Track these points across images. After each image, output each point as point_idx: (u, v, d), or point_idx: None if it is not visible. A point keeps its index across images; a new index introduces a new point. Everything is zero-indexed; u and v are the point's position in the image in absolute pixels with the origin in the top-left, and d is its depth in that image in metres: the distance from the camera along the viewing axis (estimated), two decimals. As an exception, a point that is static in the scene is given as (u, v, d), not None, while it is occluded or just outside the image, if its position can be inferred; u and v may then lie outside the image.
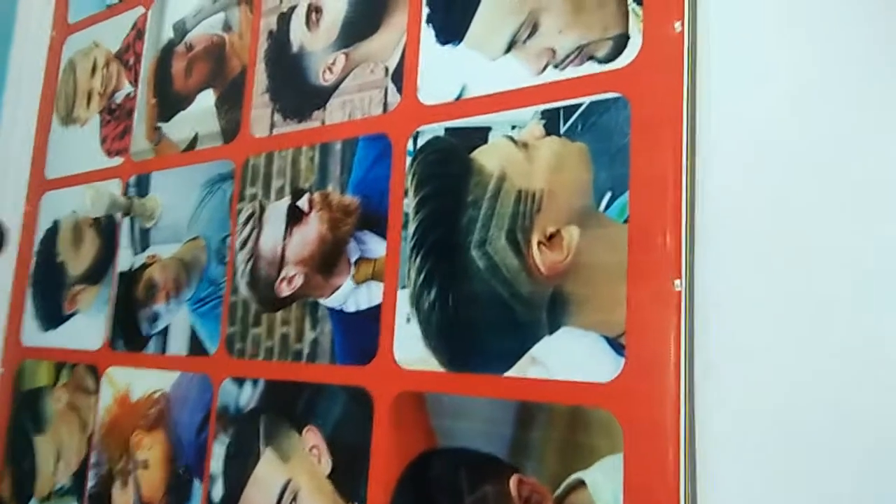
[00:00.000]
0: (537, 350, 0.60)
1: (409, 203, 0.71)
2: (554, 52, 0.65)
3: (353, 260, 0.74)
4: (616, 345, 0.57)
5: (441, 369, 0.65)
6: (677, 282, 0.54)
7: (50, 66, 1.16)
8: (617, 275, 0.57)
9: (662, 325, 0.54)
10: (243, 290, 0.82)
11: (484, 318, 0.64)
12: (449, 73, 0.71)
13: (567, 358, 0.59)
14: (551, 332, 0.60)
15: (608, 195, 0.59)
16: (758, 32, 0.56)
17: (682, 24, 0.58)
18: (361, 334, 0.72)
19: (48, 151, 1.13)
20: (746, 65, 0.56)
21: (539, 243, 0.62)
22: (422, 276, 0.68)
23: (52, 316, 1.05)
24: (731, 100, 0.56)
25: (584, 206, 0.60)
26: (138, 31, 1.03)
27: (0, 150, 1.19)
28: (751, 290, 0.53)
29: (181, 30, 0.97)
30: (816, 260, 0.51)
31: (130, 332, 0.94)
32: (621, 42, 0.61)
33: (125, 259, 0.97)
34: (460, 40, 0.71)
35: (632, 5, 0.61)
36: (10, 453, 1.06)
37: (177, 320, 0.89)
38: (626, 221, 0.58)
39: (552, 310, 0.60)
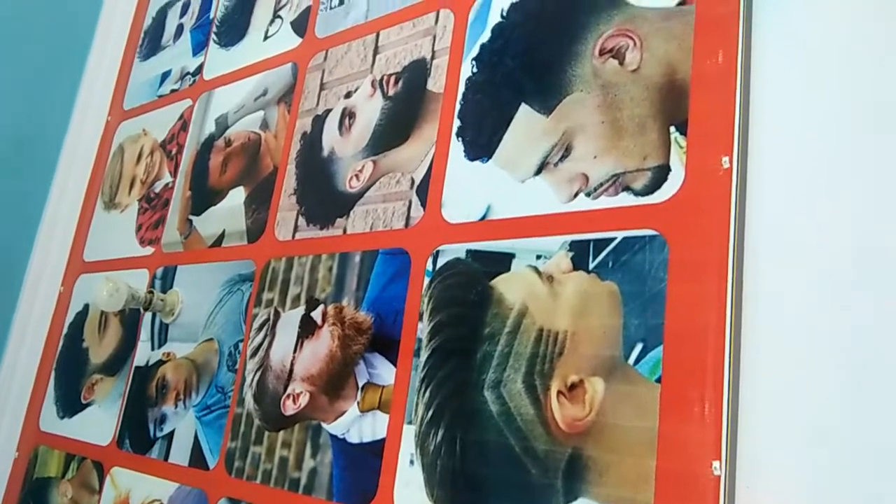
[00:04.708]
0: (549, 522, 0.52)
1: (423, 328, 0.65)
2: (587, 178, 0.59)
3: (360, 384, 0.68)
4: (640, 531, 0.48)
5: (441, 527, 0.57)
6: (716, 464, 0.46)
7: (102, 149, 1.18)
8: (646, 444, 0.49)
9: (695, 515, 0.45)
10: (249, 402, 0.77)
11: (492, 473, 0.56)
12: (475, 190, 0.66)
13: (582, 537, 0.50)
14: (567, 503, 0.52)
15: (639, 347, 0.52)
16: (816, 173, 0.49)
17: (731, 160, 0.51)
18: (361, 471, 0.65)
19: (89, 234, 1.13)
20: (801, 209, 0.48)
21: (559, 393, 0.54)
22: (430, 413, 0.61)
23: (70, 403, 1.03)
24: (783, 247, 0.48)
25: (611, 357, 0.53)
26: (184, 122, 1.03)
27: (46, 227, 1.21)
28: (804, 486, 0.43)
29: (222, 124, 0.97)
30: (887, 453, 0.41)
31: (138, 432, 0.89)
32: (661, 174, 0.55)
33: (143, 353, 0.94)
34: (489, 157, 0.66)
35: (674, 135, 0.55)
36: (13, 544, 1.02)
37: (182, 426, 0.84)
38: (658, 381, 0.50)
39: (569, 475, 0.52)
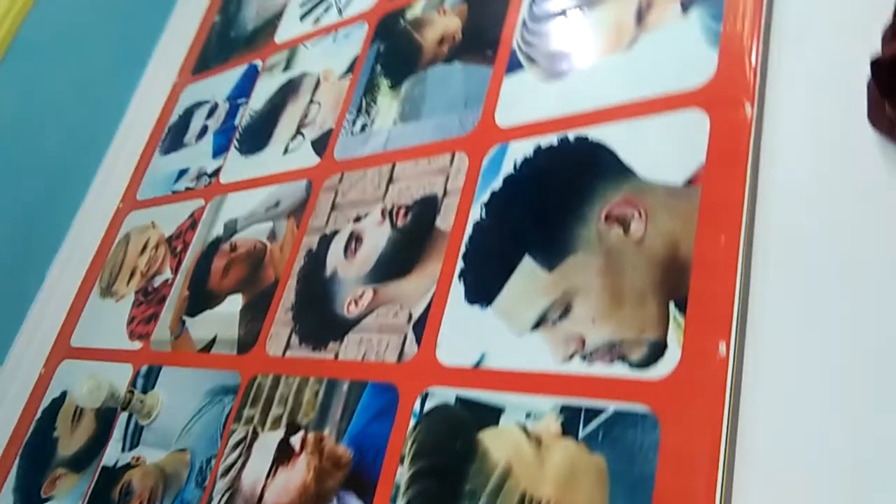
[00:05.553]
0: None
1: (403, 474, 0.63)
2: (584, 341, 0.59)
3: (331, 524, 0.65)
4: None
5: None
6: None
7: (108, 234, 1.19)
8: None
9: None
10: (213, 525, 0.74)
11: None
12: (471, 336, 0.66)
13: None
14: None
15: (623, 530, 0.50)
16: (813, 371, 0.49)
17: (728, 347, 0.51)
18: None
19: (81, 318, 1.12)
20: (797, 409, 0.48)
21: (536, 568, 0.52)
22: (399, 569, 0.58)
23: (29, 496, 0.98)
24: (775, 446, 0.47)
25: (593, 536, 0.51)
26: (193, 221, 1.05)
27: (39, 304, 1.20)
28: None
29: (231, 229, 0.98)
30: None
31: (93, 539, 0.85)
32: (658, 350, 0.54)
33: (113, 452, 0.90)
34: (489, 304, 0.66)
35: (673, 311, 0.55)
36: None
37: (140, 540, 0.80)
38: (639, 571, 0.48)
39: None
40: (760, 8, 0.61)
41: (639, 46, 0.68)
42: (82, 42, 1.31)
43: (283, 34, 1.13)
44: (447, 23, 0.88)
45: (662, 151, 0.62)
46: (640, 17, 0.69)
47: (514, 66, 0.77)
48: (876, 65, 0.45)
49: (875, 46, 0.52)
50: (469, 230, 0.72)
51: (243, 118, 1.09)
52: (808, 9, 0.60)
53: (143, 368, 0.95)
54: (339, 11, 1.05)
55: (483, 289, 0.67)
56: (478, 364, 0.64)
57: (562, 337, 0.60)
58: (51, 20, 1.29)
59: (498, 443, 0.59)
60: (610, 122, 0.66)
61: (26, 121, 1.25)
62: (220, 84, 1.19)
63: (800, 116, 0.56)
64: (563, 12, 0.76)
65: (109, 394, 0.85)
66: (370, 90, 0.92)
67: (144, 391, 0.92)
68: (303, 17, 1.11)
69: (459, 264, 0.70)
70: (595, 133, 0.67)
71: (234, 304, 0.90)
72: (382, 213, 0.81)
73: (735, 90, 0.59)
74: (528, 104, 0.74)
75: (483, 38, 0.82)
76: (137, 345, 0.99)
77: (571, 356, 0.59)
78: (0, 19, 1.23)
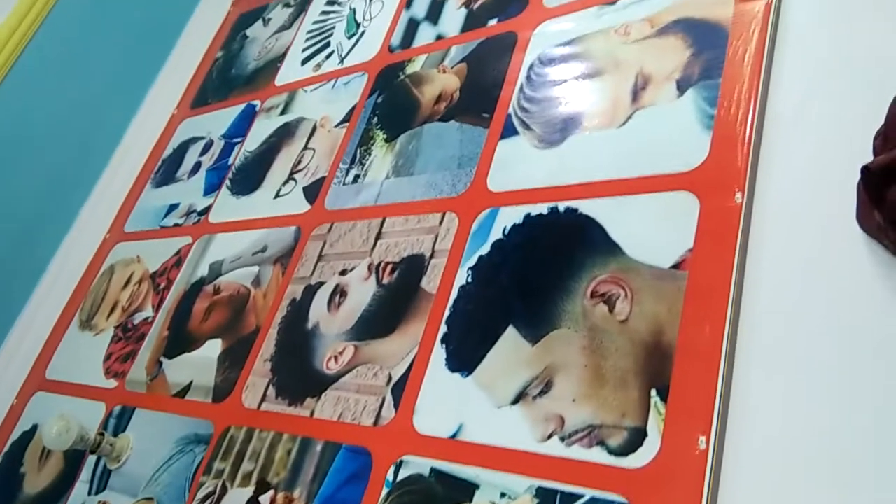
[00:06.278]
0: None
1: (372, 546, 0.61)
2: (563, 421, 0.58)
3: (295, 592, 0.63)
4: None
5: None
6: None
7: (93, 264, 1.17)
8: None
9: None
10: (174, 582, 0.71)
11: None
12: (450, 404, 0.65)
13: None
14: None
15: None
16: (799, 469, 0.48)
17: (707, 442, 0.50)
18: None
19: (58, 350, 1.10)
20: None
21: None
22: None
23: (-13, 533, 0.95)
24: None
25: None
26: (179, 259, 1.04)
27: (17, 332, 1.18)
28: None
29: (216, 271, 0.97)
30: None
31: (49, 586, 0.82)
32: (637, 438, 0.53)
33: (78, 495, 0.88)
34: (469, 373, 0.65)
35: (655, 398, 0.54)
36: None
37: (98, 591, 0.77)
38: None
39: None
40: (756, 96, 0.61)
41: (633, 123, 0.68)
42: (84, 66, 1.31)
43: (283, 77, 1.13)
44: (446, 81, 0.88)
45: (651, 231, 0.62)
46: (636, 94, 0.69)
47: (509, 130, 0.78)
48: (866, 171, 0.45)
49: (867, 143, 0.52)
50: (454, 293, 0.71)
51: (237, 158, 1.09)
52: (802, 99, 0.60)
53: (117, 409, 0.93)
54: (341, 59, 1.05)
55: (465, 356, 0.66)
56: (455, 435, 0.63)
57: (541, 414, 0.59)
58: (55, 43, 1.29)
59: (470, 521, 0.57)
60: (600, 197, 0.66)
61: (21, 141, 1.24)
62: (217, 121, 1.19)
63: (790, 208, 0.56)
64: (561, 81, 0.77)
65: (79, 437, 0.83)
66: (365, 141, 0.92)
67: (116, 433, 0.89)
68: (304, 62, 1.11)
69: (443, 328, 0.70)
70: (585, 206, 0.67)
71: (212, 349, 0.89)
72: (369, 267, 0.80)
73: (726, 177, 0.59)
74: (521, 170, 0.74)
75: (480, 99, 0.83)
76: (112, 383, 0.97)
77: (550, 436, 0.58)
78: (2, 42, 1.24)
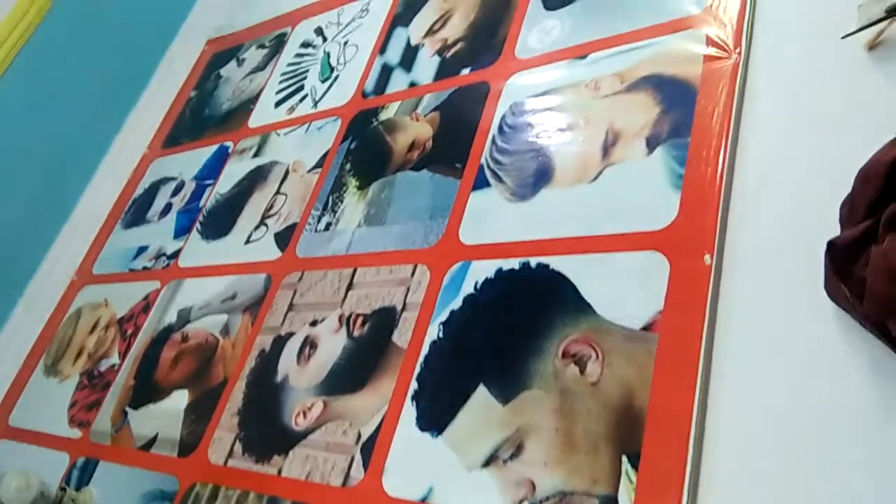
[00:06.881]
0: None
1: None
2: (534, 486, 0.57)
3: None
4: None
5: None
6: None
7: (59, 308, 1.15)
8: None
9: None
10: None
11: None
12: (420, 466, 0.63)
13: None
14: None
15: None
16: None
17: (679, 513, 0.49)
18: None
19: (22, 396, 1.07)
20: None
21: None
22: None
23: (-59, 592, 0.91)
24: None
25: None
26: (147, 304, 1.02)
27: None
28: None
29: (184, 318, 0.95)
30: None
31: None
32: (608, 507, 0.53)
33: (37, 553, 0.85)
34: (440, 433, 0.64)
35: (626, 465, 0.53)
36: None
37: None
38: None
39: None
40: (724, 156, 0.62)
41: (603, 179, 0.68)
42: (55, 103, 1.29)
43: (257, 119, 1.13)
44: (419, 129, 0.88)
45: (622, 290, 0.61)
46: (607, 150, 0.69)
47: (481, 182, 0.77)
48: (832, 246, 0.45)
49: (837, 202, 0.52)
50: (425, 349, 0.70)
51: (209, 200, 1.08)
52: (771, 162, 0.61)
53: (80, 460, 0.90)
54: (315, 103, 1.05)
55: (435, 415, 0.65)
56: (425, 498, 0.61)
57: (512, 479, 0.58)
58: (26, 79, 1.27)
59: (439, 591, 0.56)
60: (571, 254, 0.66)
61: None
62: (188, 161, 1.17)
63: (759, 272, 0.56)
64: (533, 134, 0.77)
65: (39, 493, 0.80)
66: (338, 188, 0.91)
67: (78, 486, 0.87)
68: (278, 104, 1.11)
69: (413, 385, 0.69)
70: (556, 262, 0.67)
71: (179, 400, 0.87)
72: (340, 319, 0.79)
73: (695, 238, 0.59)
74: (493, 223, 0.74)
75: (453, 149, 0.82)
76: (77, 433, 0.94)
77: (521, 502, 0.57)
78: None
